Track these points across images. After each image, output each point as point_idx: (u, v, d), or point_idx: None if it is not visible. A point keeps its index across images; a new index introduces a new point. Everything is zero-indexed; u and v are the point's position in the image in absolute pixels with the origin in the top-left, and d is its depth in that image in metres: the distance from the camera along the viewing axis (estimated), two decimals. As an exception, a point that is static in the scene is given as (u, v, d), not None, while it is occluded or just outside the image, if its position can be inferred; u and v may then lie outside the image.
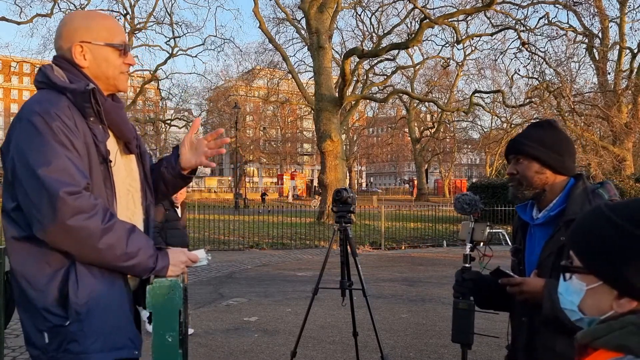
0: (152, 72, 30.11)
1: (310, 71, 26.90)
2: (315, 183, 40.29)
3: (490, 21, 21.92)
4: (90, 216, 1.40)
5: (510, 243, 11.65)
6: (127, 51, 1.65)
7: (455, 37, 19.73)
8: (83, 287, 1.45)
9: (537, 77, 23.85)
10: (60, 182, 1.38)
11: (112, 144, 1.62)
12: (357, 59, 24.08)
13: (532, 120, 18.04)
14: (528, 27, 21.33)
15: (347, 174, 40.22)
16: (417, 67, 35.22)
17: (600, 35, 22.79)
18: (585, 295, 1.00)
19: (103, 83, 1.62)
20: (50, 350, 1.46)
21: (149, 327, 1.58)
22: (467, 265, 2.04)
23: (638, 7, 44.73)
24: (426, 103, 35.27)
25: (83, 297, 1.45)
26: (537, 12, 43.10)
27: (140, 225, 1.67)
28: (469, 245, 2.10)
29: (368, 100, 35.95)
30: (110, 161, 1.56)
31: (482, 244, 2.13)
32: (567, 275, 1.04)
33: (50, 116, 1.43)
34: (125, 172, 1.68)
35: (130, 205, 1.67)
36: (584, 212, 1.09)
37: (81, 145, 1.48)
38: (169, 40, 29.30)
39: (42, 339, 1.46)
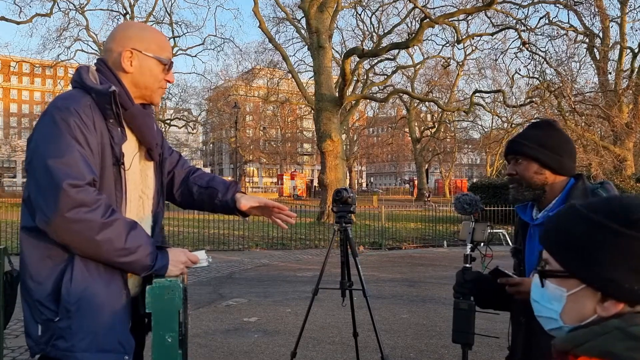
0: (152, 72, 30.10)
1: (310, 71, 26.94)
2: (315, 183, 40.27)
3: (490, 21, 21.94)
4: (92, 210, 1.42)
5: (510, 243, 11.64)
6: (170, 69, 1.72)
7: (455, 37, 19.74)
8: (76, 284, 1.46)
9: (537, 76, 23.88)
10: (65, 173, 1.41)
11: (131, 148, 1.65)
12: (357, 59, 24.07)
13: (532, 120, 18.03)
14: (528, 27, 21.35)
15: (347, 174, 40.21)
16: (418, 66, 35.20)
17: (601, 34, 22.75)
18: (567, 302, 0.92)
19: (140, 91, 1.68)
20: (41, 342, 1.49)
21: None
22: (467, 265, 2.04)
23: (639, 7, 44.70)
24: (426, 103, 35.27)
25: (75, 294, 1.46)
26: (537, 11, 43.18)
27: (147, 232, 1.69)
28: (469, 246, 2.09)
29: (368, 100, 35.95)
30: (123, 164, 1.58)
31: (482, 244, 2.13)
32: (543, 280, 0.96)
33: (70, 112, 1.48)
34: (140, 178, 1.71)
35: (139, 212, 1.70)
36: (556, 212, 1.02)
37: (96, 143, 1.52)
38: (168, 40, 29.37)
39: (36, 330, 1.49)
